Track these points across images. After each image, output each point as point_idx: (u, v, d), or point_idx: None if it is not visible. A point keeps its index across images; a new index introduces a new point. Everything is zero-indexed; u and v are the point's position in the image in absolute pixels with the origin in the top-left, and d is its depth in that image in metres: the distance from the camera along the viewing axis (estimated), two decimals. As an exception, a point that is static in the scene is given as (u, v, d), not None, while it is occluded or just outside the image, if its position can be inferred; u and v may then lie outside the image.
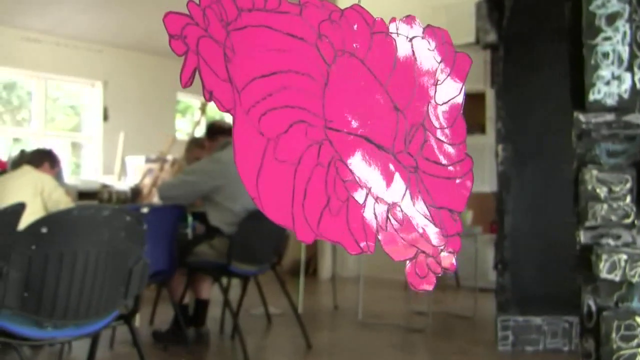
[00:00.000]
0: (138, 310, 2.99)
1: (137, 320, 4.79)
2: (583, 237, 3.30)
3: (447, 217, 0.83)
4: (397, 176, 0.80)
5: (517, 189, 5.32)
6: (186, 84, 0.75)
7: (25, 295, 2.43)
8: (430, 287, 0.82)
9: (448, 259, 0.83)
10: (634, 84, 3.12)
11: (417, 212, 0.81)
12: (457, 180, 0.85)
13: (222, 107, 0.75)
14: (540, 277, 5.25)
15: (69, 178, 9.29)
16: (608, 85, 3.17)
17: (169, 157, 7.92)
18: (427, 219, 0.81)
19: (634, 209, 3.14)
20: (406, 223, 0.80)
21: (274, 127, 0.76)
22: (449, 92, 0.87)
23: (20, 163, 5.34)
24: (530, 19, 5.13)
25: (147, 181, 8.55)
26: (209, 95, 0.75)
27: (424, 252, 0.81)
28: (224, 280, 5.43)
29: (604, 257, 3.16)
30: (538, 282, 5.25)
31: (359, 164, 0.79)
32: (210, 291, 5.45)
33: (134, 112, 9.67)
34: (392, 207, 0.79)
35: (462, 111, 0.87)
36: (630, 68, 3.14)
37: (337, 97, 0.79)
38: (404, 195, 0.80)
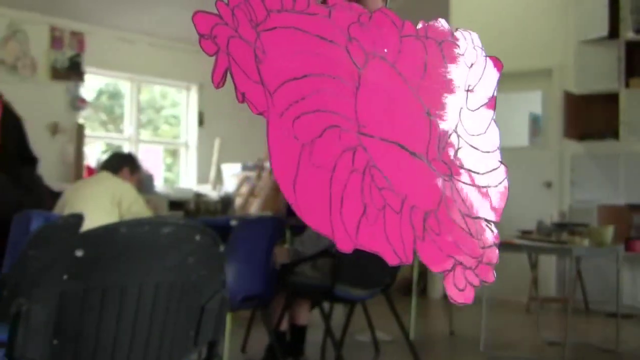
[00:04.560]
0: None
1: (226, 347, 4.17)
2: None
3: (483, 227, 0.81)
4: (432, 184, 0.79)
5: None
6: (218, 84, 0.74)
7: (54, 344, 1.74)
8: (469, 301, 0.77)
9: (486, 271, 0.79)
10: None
11: (453, 221, 0.79)
12: (493, 189, 0.83)
13: (255, 110, 0.75)
14: None
15: (162, 186, 8.84)
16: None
17: (268, 165, 7.32)
18: (464, 228, 0.79)
19: None
20: (443, 233, 0.78)
21: (308, 131, 0.76)
22: (481, 97, 0.85)
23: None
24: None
25: (244, 190, 8.04)
26: (241, 97, 0.74)
27: (461, 263, 0.78)
28: (327, 304, 4.78)
29: None
30: None
31: (393, 171, 0.78)
32: (308, 316, 4.82)
33: (230, 116, 9.09)
34: (428, 215, 0.77)
35: (494, 117, 0.84)
36: None
37: (369, 101, 0.79)
38: (440, 204, 0.78)
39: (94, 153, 8.85)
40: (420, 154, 0.79)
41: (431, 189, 0.79)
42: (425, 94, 0.81)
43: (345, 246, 0.77)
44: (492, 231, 0.83)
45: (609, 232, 5.54)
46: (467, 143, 0.83)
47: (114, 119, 9.58)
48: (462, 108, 0.83)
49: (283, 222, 4.61)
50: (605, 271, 7.11)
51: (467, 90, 0.84)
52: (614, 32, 7.55)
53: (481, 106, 0.84)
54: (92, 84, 8.99)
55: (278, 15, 0.76)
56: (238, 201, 7.56)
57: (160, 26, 8.86)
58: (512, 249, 5.50)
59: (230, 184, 8.57)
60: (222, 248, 2.01)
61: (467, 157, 0.82)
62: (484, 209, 0.82)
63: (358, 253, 3.12)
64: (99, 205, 4.18)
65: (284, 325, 4.78)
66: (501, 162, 0.84)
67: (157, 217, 3.55)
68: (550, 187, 8.12)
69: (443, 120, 0.81)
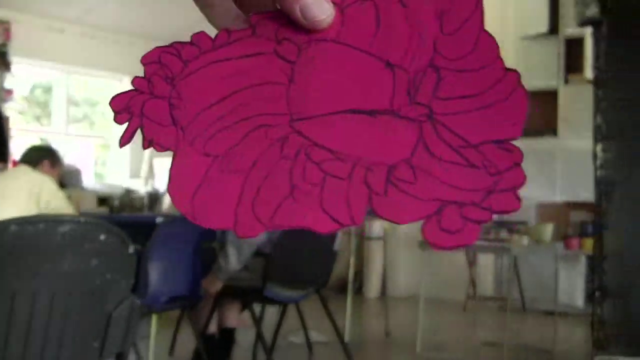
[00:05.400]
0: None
1: (152, 349, 3.96)
2: None
3: (494, 150, 0.70)
4: (400, 134, 0.72)
5: (623, 198, 4.31)
6: (124, 144, 0.68)
7: None
8: (469, 242, 0.64)
9: (506, 199, 0.66)
10: None
11: (439, 160, 0.70)
12: (500, 104, 0.71)
13: (161, 148, 0.68)
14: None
15: (91, 182, 8.54)
16: None
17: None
18: (459, 162, 0.70)
19: None
20: (422, 178, 0.70)
21: (224, 144, 0.72)
22: (458, 16, 0.73)
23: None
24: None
25: (176, 186, 7.76)
26: (148, 144, 0.68)
27: (455, 202, 0.68)
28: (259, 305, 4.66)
29: None
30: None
31: (342, 140, 0.73)
32: (238, 319, 4.60)
33: (164, 110, 8.81)
34: (396, 168, 0.70)
35: (483, 26, 0.71)
36: None
37: (305, 87, 0.75)
38: (415, 149, 0.71)
39: (24, 148, 8.53)
40: (383, 110, 0.74)
41: (399, 140, 0.73)
42: (382, 46, 0.76)
43: (247, 232, 0.71)
44: (507, 151, 0.72)
45: (548, 229, 5.49)
46: (452, 69, 0.75)
47: (48, 113, 9.37)
48: (437, 35, 0.75)
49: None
50: (542, 269, 7.06)
51: (440, 14, 0.75)
52: (553, 28, 7.52)
53: (460, 25, 0.75)
54: (24, 77, 8.70)
55: (196, 60, 0.74)
56: (168, 198, 7.31)
57: (89, 14, 8.57)
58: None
59: (162, 180, 8.33)
60: (132, 249, 1.79)
61: (454, 84, 0.74)
62: (491, 130, 0.73)
63: (290, 253, 2.91)
64: (15, 201, 3.91)
65: (213, 328, 4.57)
66: (508, 69, 0.72)
67: (56, 214, 3.30)
68: (489, 185, 8.07)
69: (412, 61, 0.75)
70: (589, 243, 6.17)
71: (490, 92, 0.74)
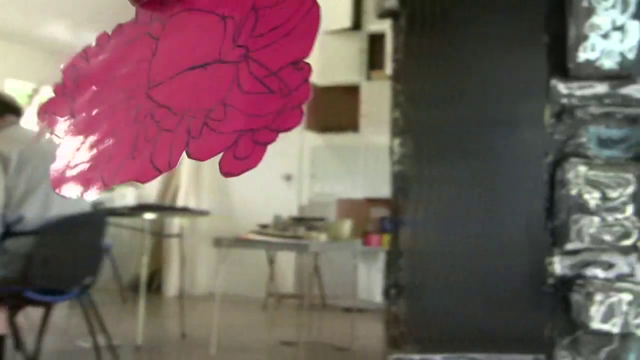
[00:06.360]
0: None
1: None
2: (560, 265, 2.24)
3: (290, 72, 0.76)
4: (220, 78, 0.79)
5: (419, 194, 4.27)
6: (37, 141, 1.47)
7: None
8: (254, 164, 0.74)
9: (293, 115, 0.74)
10: (644, 39, 2.09)
11: (246, 94, 0.77)
12: (298, 27, 0.77)
13: (58, 138, 0.89)
14: (445, 306, 4.20)
15: None
16: (606, 39, 2.11)
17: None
18: (260, 92, 0.76)
19: (638, 224, 2.07)
20: (229, 115, 0.76)
21: (95, 123, 0.86)
22: None
23: None
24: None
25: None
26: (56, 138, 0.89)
27: (250, 129, 0.75)
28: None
29: (598, 297, 2.11)
30: (442, 312, 4.20)
31: (178, 96, 0.82)
32: (5, 324, 4.13)
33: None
34: (212, 110, 0.78)
35: None
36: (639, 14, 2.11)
37: (162, 56, 0.85)
38: (229, 89, 0.78)
39: None
40: (213, 60, 0.80)
41: (218, 83, 0.78)
42: (220, 2, 0.83)
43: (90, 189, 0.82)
44: (300, 69, 0.76)
45: (346, 226, 5.43)
46: (266, 6, 0.80)
47: None
48: None
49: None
50: (342, 266, 7.04)
51: None
52: (357, 23, 7.51)
53: None
54: None
55: (95, 58, 0.89)
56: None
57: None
58: (247, 245, 5.22)
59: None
60: None
61: (268, 19, 0.79)
62: (288, 54, 0.77)
63: (52, 250, 2.55)
64: None
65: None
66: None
67: None
68: (290, 180, 7.96)
69: (239, 9, 0.81)
70: (388, 239, 6.19)
71: (293, 18, 0.79)
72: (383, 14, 4.34)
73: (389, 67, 7.13)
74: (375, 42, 7.56)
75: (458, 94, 3.92)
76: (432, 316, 4.15)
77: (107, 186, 0.82)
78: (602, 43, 2.03)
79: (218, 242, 5.30)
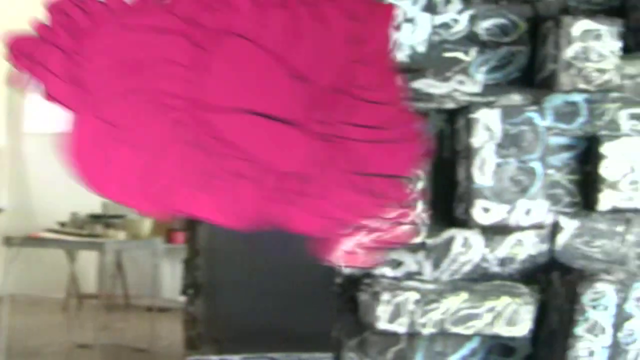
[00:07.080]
0: None
1: None
2: (347, 264, 2.20)
3: (389, 184, 0.87)
4: (297, 146, 0.84)
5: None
6: (22, 88, 0.84)
7: None
8: (360, 263, 0.92)
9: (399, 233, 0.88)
10: (433, 33, 2.05)
11: (337, 182, 0.84)
12: (398, 143, 0.88)
13: (54, 102, 0.87)
14: (243, 305, 4.11)
15: None
16: (397, 30, 2.05)
17: None
18: (353, 188, 0.84)
19: (427, 221, 2.03)
20: (312, 194, 0.83)
21: (122, 114, 0.88)
22: (376, 48, 0.96)
23: None
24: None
25: None
26: (51, 99, 0.85)
27: (352, 225, 0.87)
28: None
29: (385, 297, 2.06)
30: (240, 312, 4.11)
31: (240, 138, 0.86)
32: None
33: None
34: (287, 176, 0.81)
35: (392, 60, 0.97)
36: (430, 6, 2.08)
37: (211, 76, 0.88)
38: (311, 164, 0.83)
39: None
40: (287, 119, 0.84)
41: (295, 151, 0.84)
42: (291, 55, 0.86)
43: (151, 212, 0.77)
44: (404, 189, 0.83)
45: (146, 224, 5.28)
46: (361, 98, 0.87)
47: None
48: (351, 63, 0.88)
49: None
50: (146, 264, 6.84)
51: (356, 43, 0.88)
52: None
53: (375, 57, 0.90)
54: None
55: (107, 23, 0.85)
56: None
57: None
58: (39, 244, 4.96)
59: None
60: None
61: (363, 113, 0.87)
62: (387, 165, 0.85)
63: None
64: None
65: None
66: (409, 112, 0.84)
67: None
68: (93, 175, 7.65)
69: (324, 79, 0.86)
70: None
71: (394, 129, 0.81)
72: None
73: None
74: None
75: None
76: (230, 316, 4.05)
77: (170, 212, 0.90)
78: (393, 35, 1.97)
79: (8, 241, 5.03)
